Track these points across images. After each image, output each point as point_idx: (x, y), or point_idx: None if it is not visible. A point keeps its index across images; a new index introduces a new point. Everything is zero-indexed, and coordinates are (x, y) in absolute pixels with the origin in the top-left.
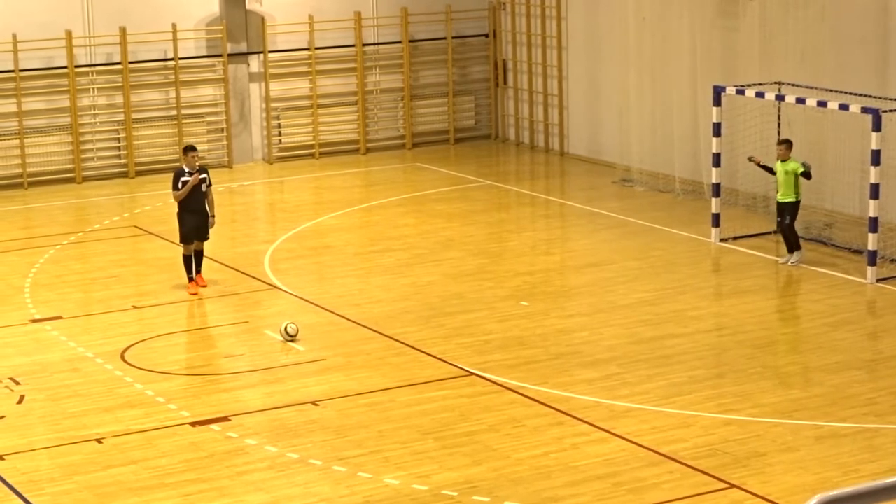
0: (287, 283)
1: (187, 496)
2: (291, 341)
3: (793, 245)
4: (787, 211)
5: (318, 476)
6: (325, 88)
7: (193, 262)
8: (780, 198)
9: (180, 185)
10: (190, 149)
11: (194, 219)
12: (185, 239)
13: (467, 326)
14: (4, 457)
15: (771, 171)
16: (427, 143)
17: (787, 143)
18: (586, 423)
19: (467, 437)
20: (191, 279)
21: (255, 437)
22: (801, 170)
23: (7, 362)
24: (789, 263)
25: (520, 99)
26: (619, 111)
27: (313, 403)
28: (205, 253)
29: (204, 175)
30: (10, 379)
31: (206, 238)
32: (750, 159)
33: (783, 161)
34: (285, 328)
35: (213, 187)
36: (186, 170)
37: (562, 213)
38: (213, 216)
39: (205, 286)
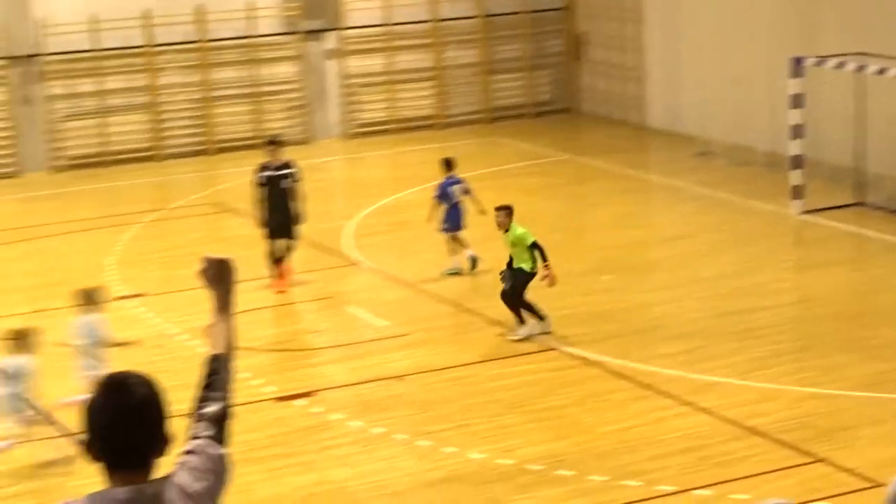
0: (368, 258)
1: (274, 470)
2: None
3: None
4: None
5: (403, 451)
6: (401, 64)
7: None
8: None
9: (256, 179)
10: (270, 142)
11: (275, 216)
12: (268, 234)
13: (549, 301)
14: None
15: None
16: (504, 117)
17: (506, 210)
18: (670, 396)
19: (551, 412)
20: (275, 276)
21: (339, 411)
22: (530, 240)
23: None
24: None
25: (596, 72)
26: (697, 83)
27: (397, 378)
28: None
29: (286, 171)
30: None
31: (291, 237)
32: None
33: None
34: None
35: (293, 179)
36: (265, 164)
37: (641, 187)
38: (297, 214)
39: (285, 284)
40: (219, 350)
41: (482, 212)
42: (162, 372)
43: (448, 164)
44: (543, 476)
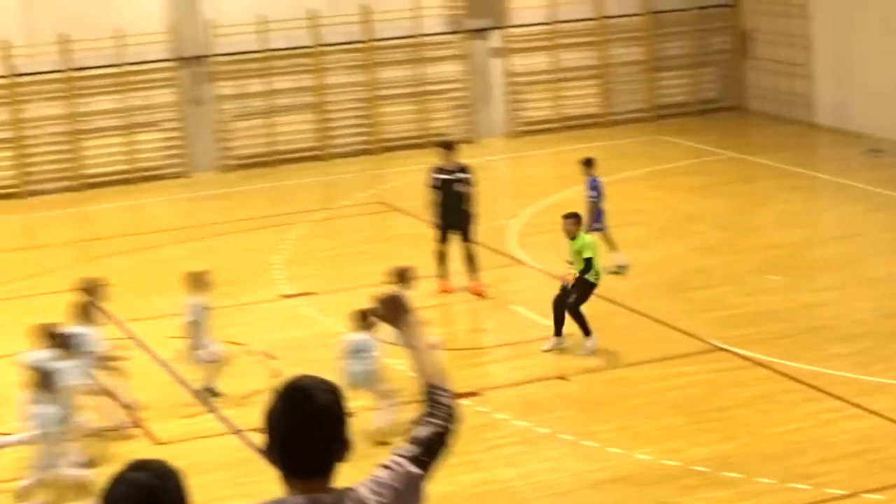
0: (532, 257)
1: (441, 469)
2: None
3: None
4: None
5: (568, 451)
6: (566, 62)
7: (447, 260)
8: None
9: (430, 181)
10: (445, 146)
11: (448, 219)
12: (440, 237)
13: (714, 300)
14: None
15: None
16: (669, 115)
17: (574, 219)
18: (839, 398)
19: (718, 413)
20: (443, 277)
21: (505, 411)
22: (587, 254)
23: (260, 337)
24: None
25: (763, 69)
26: (867, 79)
27: (562, 378)
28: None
29: (460, 175)
30: (264, 354)
31: (465, 239)
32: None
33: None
34: None
35: (467, 183)
36: (440, 167)
37: (809, 185)
38: (470, 218)
39: (479, 293)
40: (432, 380)
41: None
42: (331, 371)
43: (588, 164)
44: (710, 478)
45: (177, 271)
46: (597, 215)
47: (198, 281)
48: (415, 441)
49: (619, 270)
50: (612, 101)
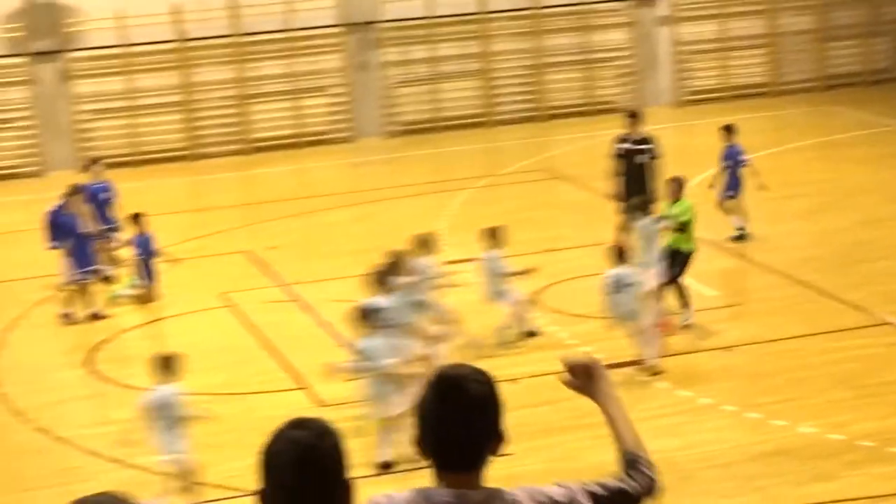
0: (698, 227)
1: (602, 438)
2: None
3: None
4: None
5: (731, 422)
6: (734, 31)
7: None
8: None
9: (614, 150)
10: (630, 114)
11: (629, 190)
12: (623, 209)
13: (882, 274)
14: None
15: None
16: (839, 85)
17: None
18: None
19: (885, 387)
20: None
21: (667, 380)
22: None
23: None
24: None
25: None
26: None
27: (726, 349)
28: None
29: (644, 146)
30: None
31: (634, 211)
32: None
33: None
34: None
35: (651, 154)
36: (623, 136)
37: None
38: (651, 191)
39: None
40: (633, 449)
41: (763, 187)
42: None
43: (728, 131)
44: (875, 453)
45: (338, 237)
46: (733, 182)
47: (493, 235)
48: (601, 484)
49: (741, 236)
50: (781, 71)
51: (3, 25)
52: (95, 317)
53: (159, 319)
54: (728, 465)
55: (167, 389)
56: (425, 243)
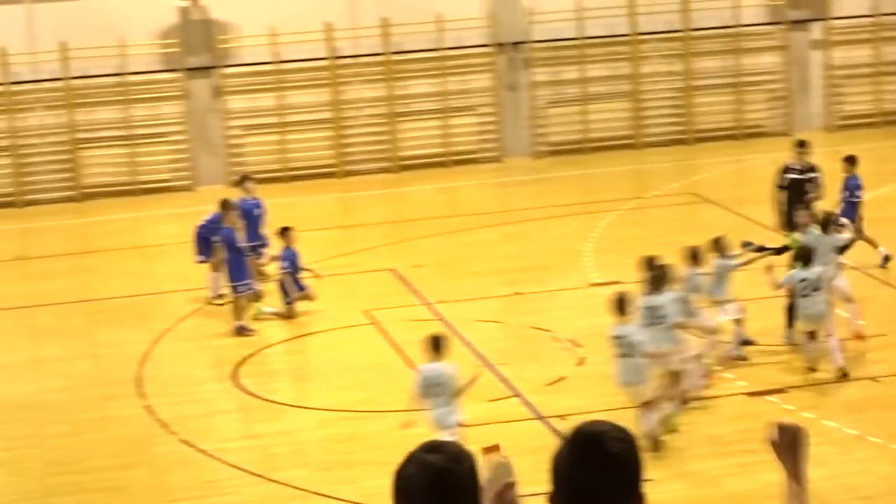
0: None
1: (743, 466)
2: None
3: None
4: None
5: (878, 454)
6: (888, 56)
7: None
8: None
9: (779, 181)
10: (798, 143)
11: (793, 219)
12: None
13: None
14: (566, 417)
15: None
16: None
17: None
18: None
19: None
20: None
21: (812, 410)
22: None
23: (567, 324)
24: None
25: None
26: None
27: (873, 379)
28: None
29: (810, 175)
30: (571, 341)
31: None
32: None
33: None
34: None
35: (815, 185)
36: (790, 165)
37: None
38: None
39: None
40: None
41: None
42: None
43: (850, 162)
44: None
45: (486, 256)
46: (849, 213)
47: (695, 254)
48: None
49: (885, 264)
50: None
51: (158, 41)
52: (242, 331)
53: (304, 335)
54: (873, 498)
55: (439, 367)
56: (694, 255)
